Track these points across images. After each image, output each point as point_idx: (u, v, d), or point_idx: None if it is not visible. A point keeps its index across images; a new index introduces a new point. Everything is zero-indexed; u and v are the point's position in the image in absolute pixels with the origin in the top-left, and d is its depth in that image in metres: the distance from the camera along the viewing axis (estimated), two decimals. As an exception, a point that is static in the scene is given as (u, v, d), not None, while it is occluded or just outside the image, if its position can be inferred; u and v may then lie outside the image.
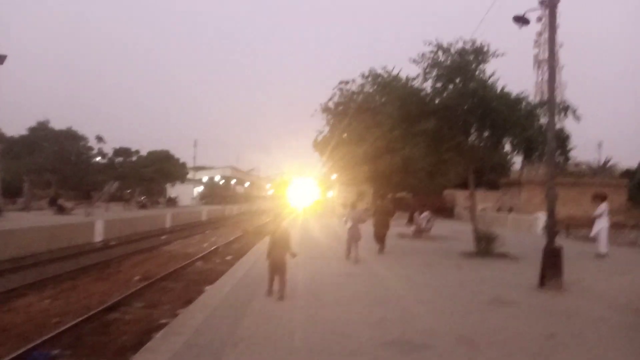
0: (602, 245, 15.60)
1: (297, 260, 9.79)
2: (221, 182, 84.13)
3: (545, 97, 11.11)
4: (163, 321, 9.01)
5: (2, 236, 17.08)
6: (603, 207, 15.71)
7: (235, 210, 60.66)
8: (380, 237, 15.76)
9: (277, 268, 8.54)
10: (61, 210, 28.65)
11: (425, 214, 22.03)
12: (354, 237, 13.64)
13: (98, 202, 37.17)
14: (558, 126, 13.20)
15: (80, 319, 9.22)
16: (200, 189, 75.28)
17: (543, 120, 14.42)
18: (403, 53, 16.31)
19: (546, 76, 11.27)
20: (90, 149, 52.00)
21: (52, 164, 43.14)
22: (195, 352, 5.55)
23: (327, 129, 33.07)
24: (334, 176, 40.94)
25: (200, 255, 18.82)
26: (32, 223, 20.58)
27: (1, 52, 26.70)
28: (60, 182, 45.66)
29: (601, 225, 15.62)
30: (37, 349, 7.56)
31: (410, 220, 23.96)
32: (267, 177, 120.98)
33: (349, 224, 13.94)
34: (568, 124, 14.86)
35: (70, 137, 48.33)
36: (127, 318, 9.74)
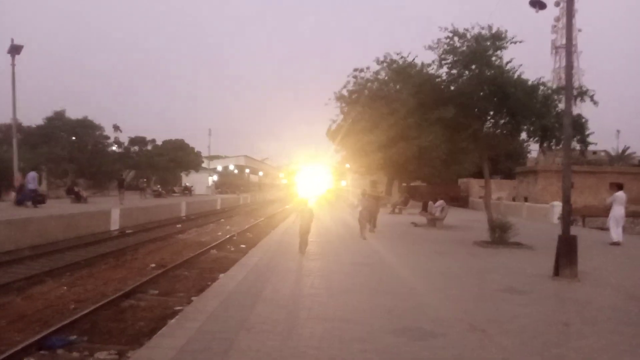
0: (612, 233, 15.62)
1: (307, 249, 9.92)
2: (235, 171, 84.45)
3: (563, 83, 10.94)
4: (177, 308, 9.11)
5: (22, 224, 17.37)
6: (616, 195, 15.68)
7: (250, 199, 60.95)
8: (372, 218, 17.79)
9: (305, 232, 12.42)
10: (78, 198, 29.01)
11: (440, 202, 21.94)
12: (363, 218, 16.33)
13: (115, 191, 37.58)
14: (575, 112, 13.03)
15: (97, 305, 9.35)
16: (214, 178, 75.67)
17: (561, 106, 14.22)
18: (419, 40, 16.17)
19: (564, 62, 11.06)
20: (106, 137, 52.45)
21: (69, 154, 43.61)
22: (209, 337, 5.61)
23: (341, 117, 32.92)
24: (348, 165, 40.84)
25: (215, 243, 18.95)
26: (50, 212, 20.88)
27: (18, 42, 26.97)
28: (77, 171, 46.18)
29: (612, 214, 15.63)
30: (55, 334, 7.69)
31: (424, 209, 23.81)
32: (280, 166, 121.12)
33: (360, 208, 17.07)
34: (586, 112, 14.67)
35: (87, 127, 48.76)
36: (142, 305, 9.86)
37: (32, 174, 24.45)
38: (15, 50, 27.01)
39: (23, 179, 24.95)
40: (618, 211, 15.60)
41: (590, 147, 16.18)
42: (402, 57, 21.83)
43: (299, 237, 12.47)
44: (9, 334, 7.95)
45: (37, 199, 23.91)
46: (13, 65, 27.02)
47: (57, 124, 47.65)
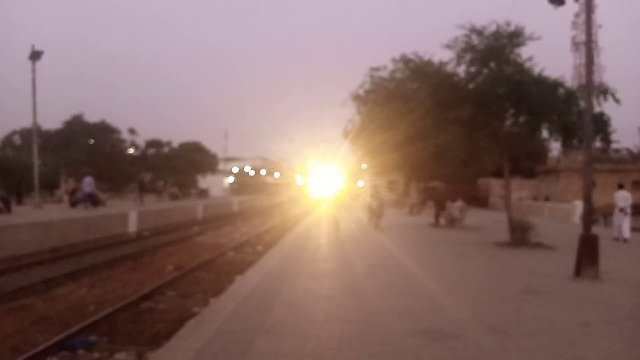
0: (614, 230, 16.68)
1: (324, 251, 9.88)
2: (251, 173, 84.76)
3: (584, 80, 10.77)
4: (195, 309, 9.13)
5: (43, 227, 17.62)
6: (616, 194, 16.83)
7: (266, 201, 61.00)
8: (377, 215, 20.33)
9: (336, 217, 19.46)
10: (96, 202, 29.38)
11: (459, 203, 21.71)
12: (377, 214, 20.20)
13: (133, 194, 38.00)
14: (597, 110, 12.84)
15: (116, 307, 9.42)
16: (230, 179, 76.05)
17: (582, 104, 14.02)
18: (435, 39, 16.03)
19: (584, 59, 10.89)
20: (123, 141, 53.13)
21: (87, 157, 44.23)
22: (227, 339, 5.61)
23: (357, 117, 32.82)
24: (364, 165, 40.70)
25: (231, 246, 19.00)
26: (69, 214, 21.16)
27: (37, 48, 27.33)
28: (95, 175, 46.82)
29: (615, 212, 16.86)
30: (76, 335, 7.77)
31: (441, 210, 23.09)
32: (296, 167, 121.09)
33: (374, 206, 20.75)
34: (608, 108, 14.39)
35: (104, 130, 49.48)
36: (161, 307, 9.90)
37: (88, 179, 26.66)
38: (35, 56, 27.38)
39: (75, 184, 27.81)
40: (619, 209, 16.63)
41: (612, 145, 16.04)
42: (418, 57, 21.65)
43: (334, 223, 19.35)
44: (31, 334, 8.05)
45: (94, 201, 26.43)
46: (34, 71, 27.40)
47: (76, 128, 48.39)
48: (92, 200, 26.32)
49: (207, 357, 5.04)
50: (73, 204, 26.99)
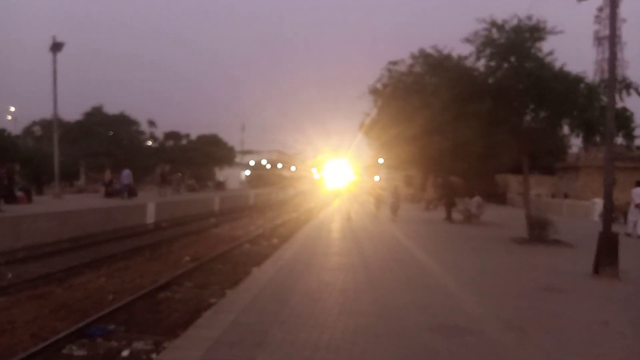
0: (629, 226, 16.92)
1: (339, 245, 9.88)
2: (268, 166, 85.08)
3: (606, 75, 10.61)
4: (212, 300, 9.21)
5: (62, 217, 17.89)
6: (633, 190, 17.01)
7: (282, 194, 61.17)
8: (394, 208, 22.14)
9: (349, 210, 21.22)
10: (133, 193, 29.86)
11: (476, 198, 21.52)
12: (393, 207, 22.10)
13: (151, 185, 38.44)
14: (620, 105, 12.64)
15: (134, 297, 9.54)
16: (247, 172, 76.39)
17: (605, 100, 13.80)
18: (452, 34, 15.87)
19: (607, 54, 10.68)
20: (142, 133, 53.63)
21: (106, 148, 44.71)
22: (243, 329, 5.65)
23: (374, 111, 32.67)
24: (381, 160, 40.57)
25: (247, 238, 19.09)
26: (88, 205, 21.44)
27: (58, 40, 27.59)
28: (114, 166, 47.35)
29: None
30: (94, 324, 7.88)
31: (451, 205, 22.62)
32: (312, 161, 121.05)
33: (391, 200, 22.85)
34: (631, 105, 14.16)
35: (123, 122, 49.95)
36: (178, 297, 10.00)
37: (126, 172, 28.59)
38: (57, 47, 27.63)
39: (111, 175, 29.47)
40: (634, 205, 16.91)
41: (636, 141, 15.86)
42: (437, 51, 21.45)
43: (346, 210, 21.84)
44: (51, 322, 8.19)
45: (131, 192, 28.30)
46: (54, 62, 27.68)
47: (95, 119, 48.94)
48: (130, 192, 27.95)
49: (224, 347, 5.08)
50: (109, 194, 28.20)
